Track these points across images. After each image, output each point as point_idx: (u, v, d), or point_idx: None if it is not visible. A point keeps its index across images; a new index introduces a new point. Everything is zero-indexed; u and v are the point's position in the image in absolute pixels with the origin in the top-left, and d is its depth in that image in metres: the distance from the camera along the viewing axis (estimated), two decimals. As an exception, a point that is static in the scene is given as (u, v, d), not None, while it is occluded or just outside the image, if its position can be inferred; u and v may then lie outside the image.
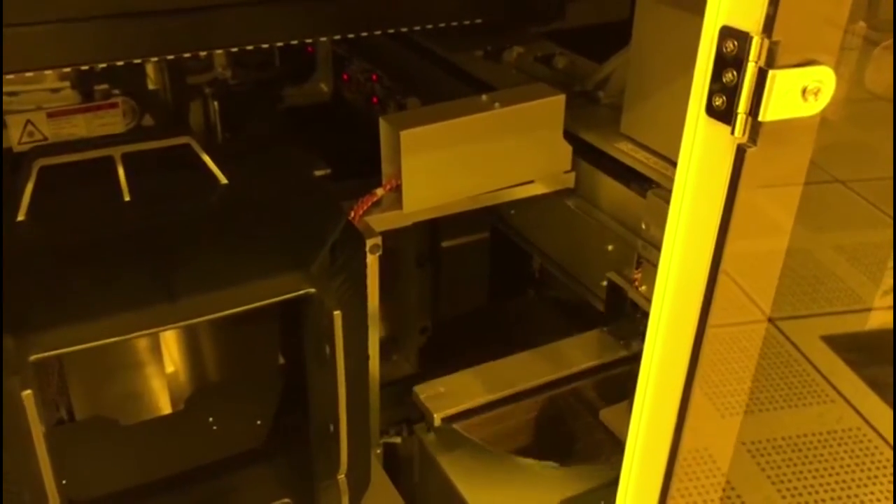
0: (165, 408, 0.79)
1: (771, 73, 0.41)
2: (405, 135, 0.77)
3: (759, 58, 0.41)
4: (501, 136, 0.82)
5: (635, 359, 0.62)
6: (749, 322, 1.57)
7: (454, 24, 0.99)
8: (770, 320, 1.62)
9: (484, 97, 0.83)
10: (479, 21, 0.99)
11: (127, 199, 0.62)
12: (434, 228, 1.03)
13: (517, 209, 0.98)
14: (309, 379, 0.62)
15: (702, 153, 0.45)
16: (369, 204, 0.79)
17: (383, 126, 0.79)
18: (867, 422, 1.37)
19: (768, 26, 0.40)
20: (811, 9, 0.41)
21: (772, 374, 1.49)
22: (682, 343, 0.50)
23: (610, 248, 0.84)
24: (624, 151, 0.85)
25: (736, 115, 0.42)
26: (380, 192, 0.80)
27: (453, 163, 0.81)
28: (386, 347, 1.11)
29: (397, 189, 0.79)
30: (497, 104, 0.82)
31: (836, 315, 1.69)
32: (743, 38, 0.41)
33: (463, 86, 1.06)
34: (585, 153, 0.88)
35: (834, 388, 1.50)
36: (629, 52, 0.85)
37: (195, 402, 0.78)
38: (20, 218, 0.59)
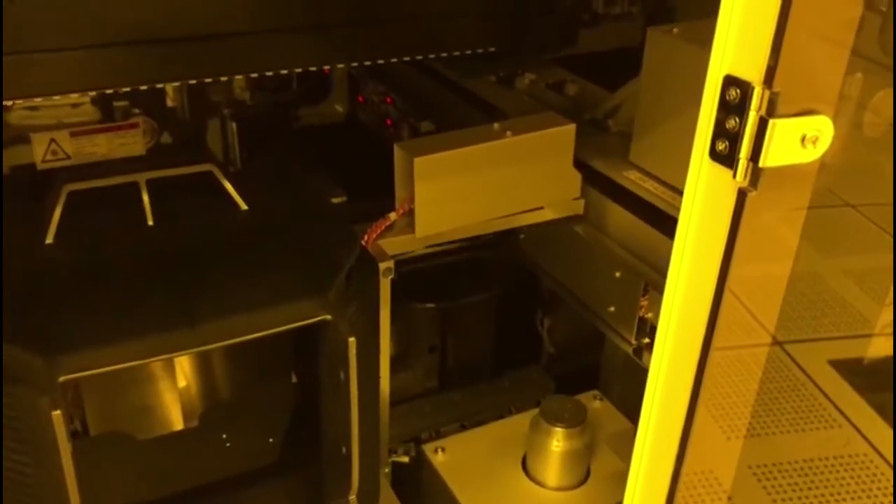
0: (179, 423, 0.81)
1: (771, 121, 0.42)
2: (419, 161, 0.79)
3: (760, 107, 0.43)
4: (513, 164, 0.84)
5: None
6: (755, 345, 1.58)
7: (468, 52, 1.01)
8: (777, 343, 1.62)
9: (496, 125, 0.85)
10: (491, 49, 1.02)
11: (150, 223, 0.64)
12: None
13: (527, 233, 1.00)
14: (322, 402, 0.64)
15: (704, 195, 0.47)
16: (383, 228, 0.81)
17: (398, 152, 0.81)
18: (874, 447, 1.37)
19: (769, 77, 0.42)
20: (811, 61, 0.43)
21: (778, 397, 1.50)
22: (686, 368, 0.51)
23: (617, 274, 0.85)
24: (632, 180, 0.87)
25: (737, 160, 0.44)
26: (393, 216, 0.82)
27: (465, 189, 0.83)
28: (394, 365, 1.12)
29: (410, 213, 0.81)
30: (509, 132, 0.84)
31: (844, 339, 1.69)
32: (745, 87, 0.43)
33: (475, 111, 1.08)
34: (595, 181, 0.90)
35: (841, 412, 1.50)
36: (639, 83, 0.87)
37: (209, 418, 0.80)
38: (49, 241, 0.61)
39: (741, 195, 0.45)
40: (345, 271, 0.62)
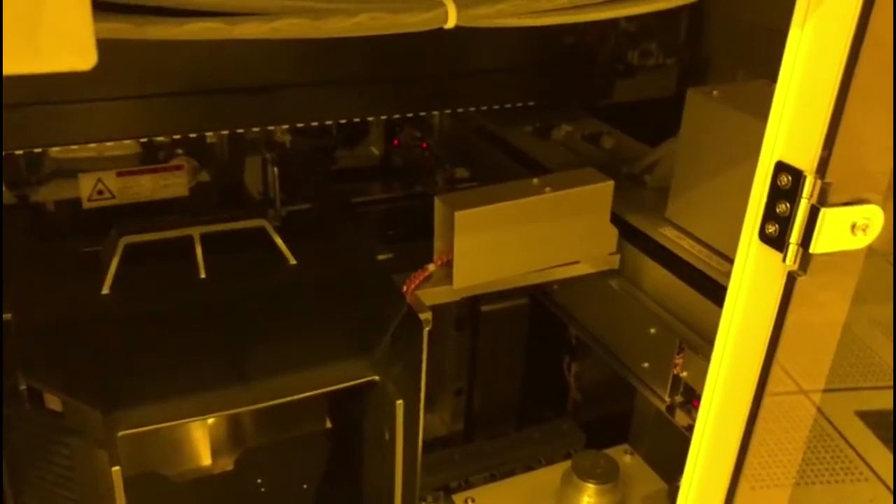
0: (210, 463, 0.82)
1: (822, 210, 0.43)
2: (459, 215, 0.80)
3: (811, 195, 0.44)
4: (551, 219, 0.86)
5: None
6: (780, 393, 1.57)
7: (506, 105, 1.04)
8: (803, 392, 1.61)
9: (536, 180, 0.87)
10: (529, 103, 1.04)
11: (203, 276, 0.66)
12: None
13: (561, 284, 1.01)
14: (365, 456, 0.65)
15: (753, 275, 0.48)
16: (422, 279, 0.82)
17: (438, 205, 0.83)
18: (900, 503, 1.36)
19: (822, 167, 0.43)
20: (863, 151, 0.44)
21: (805, 447, 1.48)
22: (728, 442, 0.52)
23: (652, 331, 0.86)
24: (668, 237, 0.87)
25: (788, 244, 0.45)
26: (431, 267, 0.83)
27: (503, 242, 0.84)
28: (427, 404, 1.13)
29: (448, 265, 0.83)
30: (548, 188, 0.85)
31: (872, 390, 1.67)
32: (797, 175, 0.44)
33: (510, 160, 1.10)
34: (631, 236, 0.91)
35: (868, 465, 1.49)
36: (677, 142, 0.88)
37: (245, 462, 0.81)
38: (105, 291, 0.63)
39: (790, 279, 0.46)
40: (391, 330, 0.63)
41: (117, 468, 0.51)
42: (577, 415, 1.16)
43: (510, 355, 1.15)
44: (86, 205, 0.95)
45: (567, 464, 0.88)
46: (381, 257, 0.75)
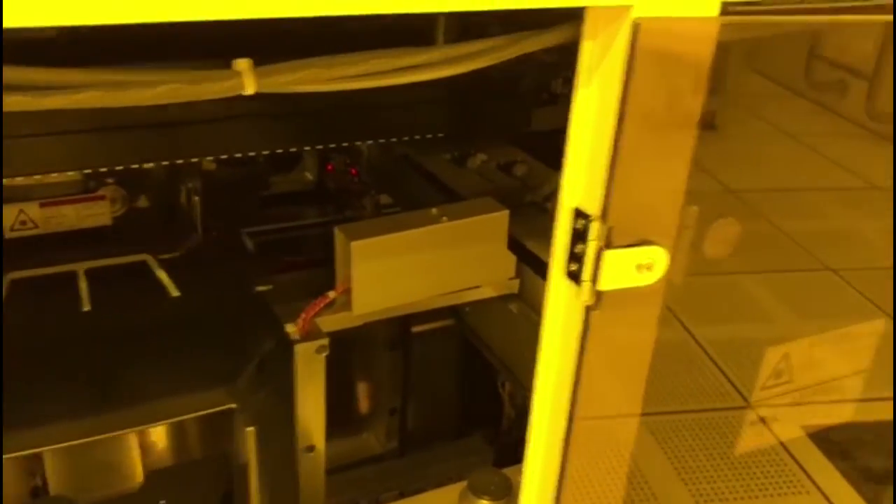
0: (119, 487, 0.85)
1: (606, 252, 0.48)
2: (356, 245, 0.85)
3: (598, 238, 0.49)
4: (448, 247, 0.90)
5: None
6: (726, 408, 1.62)
7: (426, 137, 1.08)
8: (750, 407, 1.65)
9: (434, 210, 0.91)
10: (447, 134, 1.09)
11: (86, 308, 0.70)
12: (405, 314, 1.10)
13: (471, 307, 1.05)
14: (235, 484, 0.69)
15: (564, 307, 0.52)
16: (321, 306, 0.87)
17: (337, 235, 0.87)
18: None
19: (605, 213, 0.48)
20: (644, 199, 0.49)
21: (749, 462, 1.53)
22: (549, 465, 0.56)
23: (545, 352, 0.90)
24: (561, 263, 0.92)
25: (583, 281, 0.50)
26: (332, 294, 0.88)
27: (401, 270, 0.89)
28: (358, 425, 1.18)
29: (348, 292, 0.87)
30: (445, 218, 0.90)
31: (818, 405, 1.71)
32: (587, 219, 0.49)
33: (430, 187, 1.15)
34: (530, 261, 0.96)
35: (810, 479, 1.53)
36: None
37: (150, 483, 0.84)
38: (-9, 324, 0.67)
39: (586, 312, 0.50)
40: (255, 360, 0.67)
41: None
42: (511, 432, 1.20)
43: (443, 374, 1.18)
44: (8, 234, 0.99)
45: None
46: (261, 288, 0.80)
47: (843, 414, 1.71)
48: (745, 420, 1.68)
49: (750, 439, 1.62)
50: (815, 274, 2.13)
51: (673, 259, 0.50)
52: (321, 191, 1.36)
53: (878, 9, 0.45)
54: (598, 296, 0.49)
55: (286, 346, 0.72)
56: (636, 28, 0.42)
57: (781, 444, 1.62)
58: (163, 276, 0.72)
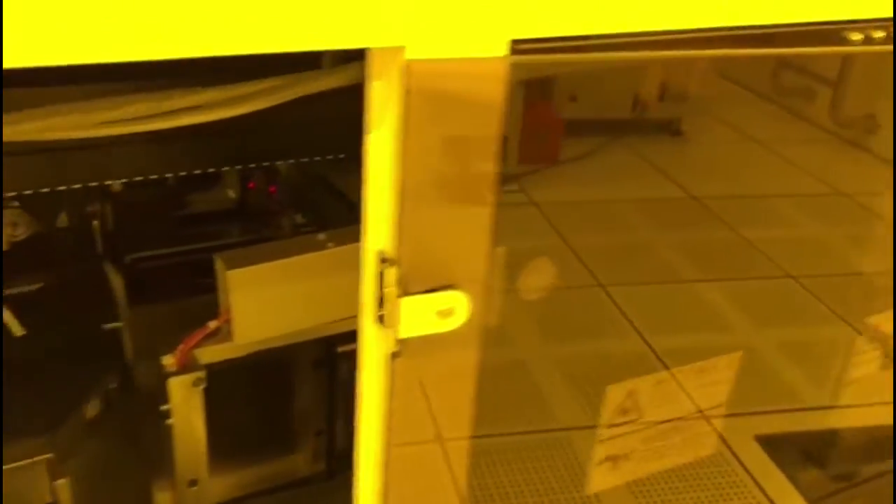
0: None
1: (402, 299, 0.46)
2: (232, 274, 0.83)
3: (393, 283, 0.47)
4: (333, 274, 0.88)
5: None
6: (682, 418, 1.60)
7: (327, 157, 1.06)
8: (703, 415, 1.63)
9: (322, 236, 0.89)
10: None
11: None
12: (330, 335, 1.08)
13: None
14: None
15: (374, 352, 0.50)
16: (200, 337, 0.84)
17: (218, 263, 0.85)
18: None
19: (399, 258, 0.46)
20: (440, 244, 0.47)
21: (699, 472, 1.51)
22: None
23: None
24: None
25: (386, 328, 0.48)
26: (213, 324, 0.85)
27: (284, 298, 0.87)
28: (284, 448, 1.15)
29: (229, 321, 0.85)
30: (331, 244, 0.88)
31: (773, 414, 1.69)
32: (388, 264, 0.47)
33: (343, 207, 1.13)
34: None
35: (761, 489, 1.52)
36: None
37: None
38: None
39: (391, 358, 0.49)
40: (80, 409, 0.65)
41: None
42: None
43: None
44: None
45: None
46: (107, 326, 0.77)
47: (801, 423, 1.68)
48: (696, 428, 1.66)
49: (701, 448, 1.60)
50: (774, 282, 2.12)
51: (486, 301, 0.48)
52: (243, 210, 1.33)
53: (674, 44, 0.44)
54: (400, 343, 0.48)
55: (129, 385, 0.70)
56: (407, 70, 0.40)
57: (732, 452, 1.60)
58: (6, 314, 0.70)
